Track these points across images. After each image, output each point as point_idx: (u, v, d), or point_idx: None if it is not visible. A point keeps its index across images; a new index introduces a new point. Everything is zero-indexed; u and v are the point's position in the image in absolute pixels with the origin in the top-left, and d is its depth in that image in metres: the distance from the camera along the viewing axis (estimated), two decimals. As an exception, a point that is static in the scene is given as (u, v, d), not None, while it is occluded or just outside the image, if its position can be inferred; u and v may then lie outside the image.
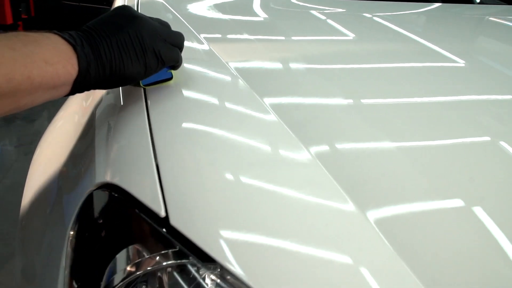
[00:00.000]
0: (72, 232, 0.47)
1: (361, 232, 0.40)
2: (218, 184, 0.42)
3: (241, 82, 0.60)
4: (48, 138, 0.77)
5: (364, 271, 0.36)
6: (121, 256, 0.42)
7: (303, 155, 0.47)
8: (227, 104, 0.56)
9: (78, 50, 0.42)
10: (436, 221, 0.43)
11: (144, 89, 0.55)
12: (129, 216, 0.43)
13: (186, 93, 0.56)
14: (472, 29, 1.07)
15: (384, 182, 0.47)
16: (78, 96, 0.68)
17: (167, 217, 0.40)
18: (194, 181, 0.43)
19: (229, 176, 0.43)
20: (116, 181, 0.44)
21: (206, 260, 0.37)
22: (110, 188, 0.45)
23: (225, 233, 0.38)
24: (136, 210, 0.42)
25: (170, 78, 0.55)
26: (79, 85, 0.44)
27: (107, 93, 0.63)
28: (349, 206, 0.41)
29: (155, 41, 0.48)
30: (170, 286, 0.38)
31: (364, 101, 0.62)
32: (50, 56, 0.40)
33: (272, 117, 0.52)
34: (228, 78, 0.62)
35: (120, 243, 0.42)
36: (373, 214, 0.42)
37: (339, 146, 0.52)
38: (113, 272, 0.41)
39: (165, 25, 0.53)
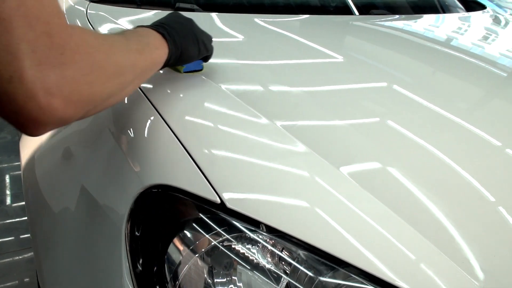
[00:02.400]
0: (127, 230, 0.55)
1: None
2: (257, 165, 0.53)
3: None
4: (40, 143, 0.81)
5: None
6: (181, 241, 0.51)
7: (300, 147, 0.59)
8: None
9: (168, 39, 0.60)
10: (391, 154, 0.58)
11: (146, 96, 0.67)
12: (183, 208, 0.52)
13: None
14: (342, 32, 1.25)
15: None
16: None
17: (222, 203, 0.50)
18: (234, 166, 0.53)
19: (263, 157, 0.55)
20: (165, 181, 0.53)
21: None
22: (158, 187, 0.54)
23: (275, 206, 0.49)
24: (192, 201, 0.51)
25: (202, 69, 0.74)
26: (167, 63, 0.62)
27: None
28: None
29: (202, 35, 0.69)
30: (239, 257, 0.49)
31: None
32: (157, 44, 0.59)
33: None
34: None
35: (177, 230, 0.52)
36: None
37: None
38: (173, 258, 0.51)
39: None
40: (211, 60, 0.73)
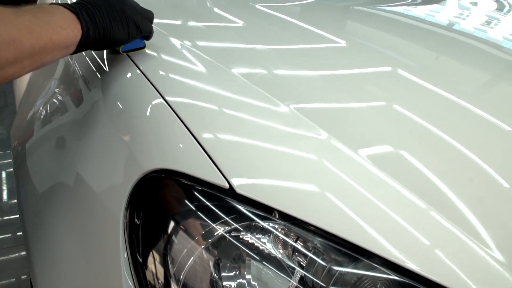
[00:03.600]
0: (125, 219, 0.50)
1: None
2: (268, 149, 0.49)
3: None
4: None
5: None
6: (185, 231, 0.46)
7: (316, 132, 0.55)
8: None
9: (81, 18, 0.55)
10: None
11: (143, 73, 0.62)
12: (187, 195, 0.48)
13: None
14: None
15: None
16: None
17: (230, 188, 0.45)
18: (243, 149, 0.49)
19: (270, 139, 0.50)
20: (167, 165, 0.49)
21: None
22: (159, 172, 0.49)
23: (290, 192, 0.45)
24: (197, 186, 0.47)
25: (144, 47, 0.68)
26: (82, 46, 0.56)
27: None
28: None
29: (135, 14, 0.62)
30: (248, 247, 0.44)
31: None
32: (63, 23, 0.53)
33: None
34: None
35: (181, 219, 0.47)
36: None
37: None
38: (176, 250, 0.46)
39: (137, 3, 0.65)
40: (216, 44, 0.69)
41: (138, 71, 0.63)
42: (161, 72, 0.64)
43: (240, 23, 0.95)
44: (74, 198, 0.61)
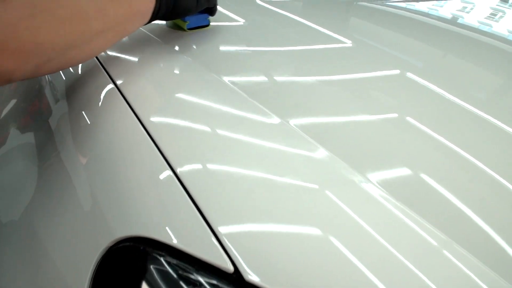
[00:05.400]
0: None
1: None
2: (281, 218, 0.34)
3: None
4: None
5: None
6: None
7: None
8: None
9: None
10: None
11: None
12: (171, 277, 0.33)
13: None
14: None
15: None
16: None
17: (236, 272, 0.31)
18: (254, 219, 0.34)
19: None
20: (144, 232, 0.34)
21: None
22: (134, 241, 0.35)
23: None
24: (187, 267, 0.32)
25: (208, 25, 0.66)
26: (156, 14, 0.53)
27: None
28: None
29: None
30: None
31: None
32: None
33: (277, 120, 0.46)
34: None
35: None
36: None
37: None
38: None
39: None
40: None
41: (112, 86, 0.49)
42: (138, 91, 0.49)
43: (237, 20, 0.80)
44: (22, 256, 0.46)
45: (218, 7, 0.74)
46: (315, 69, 0.62)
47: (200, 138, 0.42)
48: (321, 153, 0.41)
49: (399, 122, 0.50)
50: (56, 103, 0.60)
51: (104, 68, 0.55)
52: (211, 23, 0.69)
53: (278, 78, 0.57)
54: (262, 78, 0.57)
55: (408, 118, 0.51)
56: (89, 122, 0.49)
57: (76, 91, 0.55)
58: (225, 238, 0.32)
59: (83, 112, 0.50)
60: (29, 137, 0.61)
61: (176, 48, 0.60)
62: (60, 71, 0.62)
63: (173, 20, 0.65)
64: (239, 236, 0.32)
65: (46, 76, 0.65)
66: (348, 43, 0.76)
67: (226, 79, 0.53)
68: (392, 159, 0.43)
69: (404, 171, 0.42)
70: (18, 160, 0.59)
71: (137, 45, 0.61)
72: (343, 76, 0.61)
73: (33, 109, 0.66)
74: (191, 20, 0.62)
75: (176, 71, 0.54)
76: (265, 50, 0.67)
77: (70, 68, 0.60)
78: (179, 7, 0.56)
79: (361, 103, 0.53)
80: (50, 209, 0.46)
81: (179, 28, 0.63)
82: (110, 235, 0.35)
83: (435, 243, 0.33)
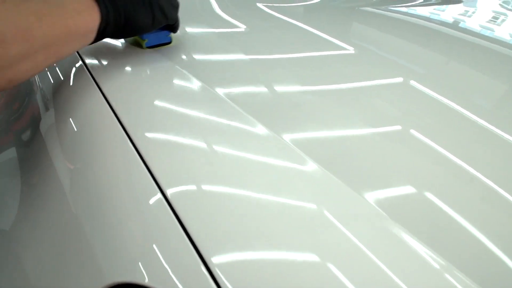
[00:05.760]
0: None
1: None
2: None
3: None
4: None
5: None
6: None
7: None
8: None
9: (101, 1, 0.47)
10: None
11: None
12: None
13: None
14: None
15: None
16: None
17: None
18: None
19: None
20: (136, 278, 0.31)
21: None
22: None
23: None
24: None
25: (170, 42, 0.60)
26: (102, 33, 0.48)
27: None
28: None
29: None
30: None
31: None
32: (78, 6, 0.45)
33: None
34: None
35: None
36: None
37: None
38: None
39: None
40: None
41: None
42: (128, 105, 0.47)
43: (237, 26, 0.77)
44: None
45: (228, 15, 0.71)
46: (313, 77, 0.59)
47: (191, 156, 0.39)
48: (318, 172, 0.38)
49: (399, 135, 0.48)
50: (44, 113, 0.57)
51: (94, 80, 0.52)
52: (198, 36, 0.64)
53: (273, 88, 0.55)
54: (256, 89, 0.54)
55: (411, 131, 0.49)
56: (75, 131, 0.46)
57: (64, 100, 0.53)
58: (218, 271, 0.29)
59: (69, 126, 0.48)
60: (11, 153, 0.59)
61: (165, 56, 0.58)
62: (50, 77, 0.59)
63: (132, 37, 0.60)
64: (232, 268, 0.29)
65: (37, 81, 0.63)
66: (348, 49, 0.73)
67: (219, 91, 0.51)
68: (391, 177, 0.41)
69: (404, 190, 0.40)
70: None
71: (128, 54, 0.58)
72: (341, 85, 0.58)
73: (17, 126, 0.64)
74: (149, 38, 0.57)
75: (167, 82, 0.52)
76: (260, 59, 0.64)
77: (61, 77, 0.57)
78: (131, 24, 0.51)
79: (360, 115, 0.50)
80: (34, 238, 0.43)
81: (138, 45, 0.58)
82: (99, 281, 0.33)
83: (429, 261, 0.31)
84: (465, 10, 1.25)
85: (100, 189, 0.39)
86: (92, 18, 0.46)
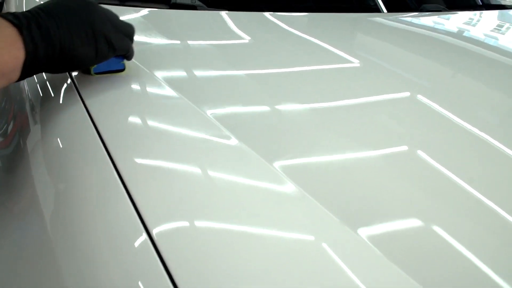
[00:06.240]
0: None
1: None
2: None
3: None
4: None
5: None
6: None
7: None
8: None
9: (24, 32, 0.41)
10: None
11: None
12: None
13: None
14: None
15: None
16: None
17: None
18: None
19: None
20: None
21: None
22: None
23: None
24: None
25: (123, 69, 0.54)
26: (29, 69, 0.43)
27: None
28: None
29: (106, 27, 0.47)
30: None
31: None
32: None
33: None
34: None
35: None
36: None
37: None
38: None
39: (115, 15, 0.51)
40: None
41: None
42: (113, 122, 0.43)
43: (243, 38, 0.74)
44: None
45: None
46: (312, 95, 0.57)
47: (177, 188, 0.36)
48: (317, 210, 0.35)
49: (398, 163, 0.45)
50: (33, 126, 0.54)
51: (80, 97, 0.49)
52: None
53: (263, 109, 0.52)
54: (246, 109, 0.52)
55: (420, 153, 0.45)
56: (60, 149, 0.42)
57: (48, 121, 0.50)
58: None
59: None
60: None
61: (154, 74, 0.54)
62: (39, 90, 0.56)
63: None
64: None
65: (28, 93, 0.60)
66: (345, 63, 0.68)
67: (210, 112, 0.47)
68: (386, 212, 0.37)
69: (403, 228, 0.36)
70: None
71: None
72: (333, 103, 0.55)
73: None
74: (98, 64, 0.51)
75: (155, 104, 0.49)
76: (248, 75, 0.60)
77: (51, 93, 0.54)
78: (69, 58, 0.45)
79: (355, 139, 0.48)
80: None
81: (87, 71, 0.53)
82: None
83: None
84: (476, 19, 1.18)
85: (78, 220, 0.35)
86: (14, 56, 0.40)
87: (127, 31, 0.51)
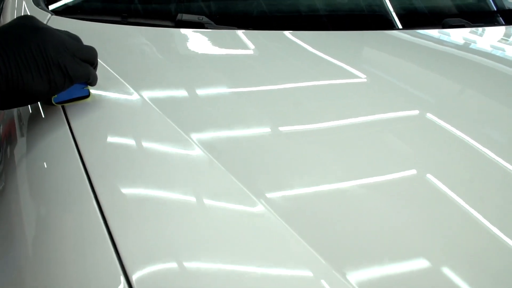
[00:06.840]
0: None
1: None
2: None
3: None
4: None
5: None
6: None
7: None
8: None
9: None
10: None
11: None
12: None
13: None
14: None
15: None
16: None
17: None
18: None
19: None
20: None
21: None
22: None
23: None
24: None
25: (87, 96, 0.51)
26: None
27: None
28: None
29: (61, 55, 0.44)
30: None
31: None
32: None
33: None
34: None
35: None
36: None
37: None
38: None
39: (74, 39, 0.49)
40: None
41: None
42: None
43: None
44: None
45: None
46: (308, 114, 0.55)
47: (160, 227, 0.33)
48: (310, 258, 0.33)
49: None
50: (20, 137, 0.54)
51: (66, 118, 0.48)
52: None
53: (250, 133, 0.50)
54: (235, 133, 0.50)
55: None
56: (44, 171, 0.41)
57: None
58: None
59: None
60: None
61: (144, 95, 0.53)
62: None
63: None
64: None
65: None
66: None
67: (201, 137, 0.46)
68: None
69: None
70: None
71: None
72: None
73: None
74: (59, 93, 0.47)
75: (142, 128, 0.48)
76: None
77: (42, 113, 0.53)
78: (17, 93, 0.41)
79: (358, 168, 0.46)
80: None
81: (48, 101, 0.49)
82: None
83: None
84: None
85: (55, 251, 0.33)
86: None
87: (87, 56, 0.48)
